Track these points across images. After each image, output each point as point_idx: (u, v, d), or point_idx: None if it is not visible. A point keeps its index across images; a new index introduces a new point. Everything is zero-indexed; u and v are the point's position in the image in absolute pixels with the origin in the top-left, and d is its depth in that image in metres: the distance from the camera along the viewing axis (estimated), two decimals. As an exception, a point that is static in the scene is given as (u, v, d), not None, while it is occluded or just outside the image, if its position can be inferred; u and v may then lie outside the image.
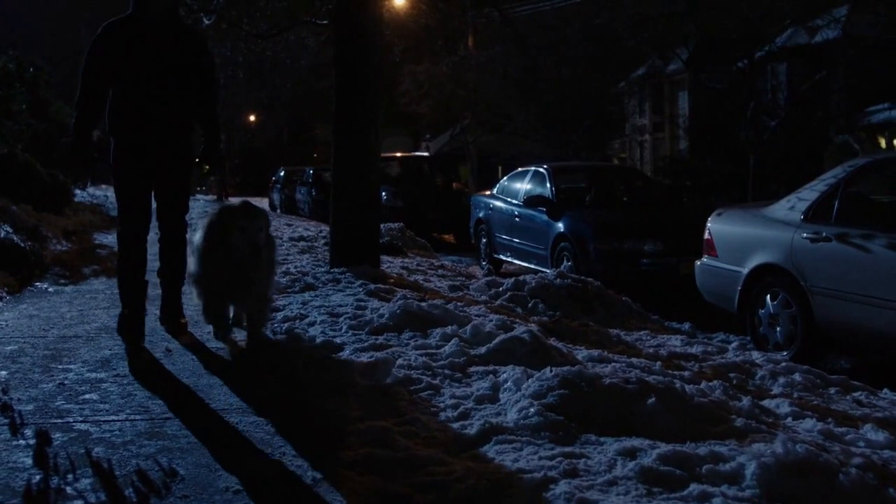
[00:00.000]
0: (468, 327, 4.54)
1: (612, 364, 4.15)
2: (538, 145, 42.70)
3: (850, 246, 6.07)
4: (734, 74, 30.23)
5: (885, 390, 5.17)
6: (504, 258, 12.51)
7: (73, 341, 5.04)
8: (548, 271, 10.52)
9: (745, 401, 3.54)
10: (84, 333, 5.33)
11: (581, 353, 4.44)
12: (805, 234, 6.41)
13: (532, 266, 11.36)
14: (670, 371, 4.21)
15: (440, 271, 9.95)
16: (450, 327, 4.57)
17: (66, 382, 3.97)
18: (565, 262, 10.22)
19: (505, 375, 3.48)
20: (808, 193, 6.71)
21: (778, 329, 6.68)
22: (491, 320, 5.06)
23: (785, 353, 6.44)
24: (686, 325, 7.42)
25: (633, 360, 4.39)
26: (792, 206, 6.77)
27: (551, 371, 3.20)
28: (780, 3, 27.17)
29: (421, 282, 7.79)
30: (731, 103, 27.89)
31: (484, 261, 13.23)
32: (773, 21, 28.23)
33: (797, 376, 4.83)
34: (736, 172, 27.17)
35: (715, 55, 32.40)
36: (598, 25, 35.20)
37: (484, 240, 13.25)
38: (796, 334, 6.52)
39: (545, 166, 12.24)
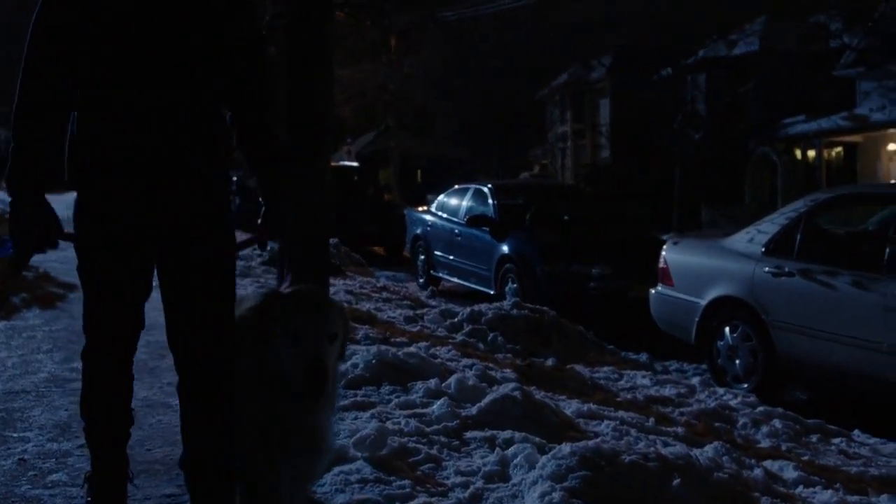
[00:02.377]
0: (451, 381, 4.36)
1: (606, 421, 4.05)
2: (461, 150, 42.84)
3: (814, 282, 6.08)
4: (656, 84, 30.72)
5: (856, 431, 5.19)
6: (443, 276, 12.36)
7: (22, 398, 4.58)
8: (492, 292, 10.53)
9: (757, 471, 3.46)
10: (33, 388, 4.77)
11: (569, 408, 4.31)
12: (767, 268, 6.40)
13: (473, 286, 11.24)
14: (664, 428, 4.11)
15: (384, 294, 9.75)
16: (432, 381, 4.39)
17: (26, 458, 3.59)
18: (510, 284, 10.12)
19: (513, 450, 3.31)
20: (769, 226, 6.71)
21: (737, 361, 6.66)
22: (468, 367, 4.91)
23: (745, 386, 6.44)
24: (643, 356, 7.38)
25: (623, 414, 4.29)
26: (751, 238, 6.76)
27: (569, 448, 3.04)
28: (702, 14, 27.74)
29: (373, 311, 7.57)
30: (655, 113, 28.30)
31: (422, 278, 13.06)
32: (695, 32, 28.76)
33: (777, 423, 4.82)
34: (661, 180, 27.57)
35: (637, 64, 32.91)
36: (521, 33, 35.48)
37: (422, 257, 13.07)
38: (756, 367, 6.50)
39: (488, 185, 12.13)
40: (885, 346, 5.50)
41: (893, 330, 5.49)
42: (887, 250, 5.71)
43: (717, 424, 4.61)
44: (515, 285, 9.98)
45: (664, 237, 22.11)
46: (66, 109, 2.55)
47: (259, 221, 2.89)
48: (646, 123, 29.49)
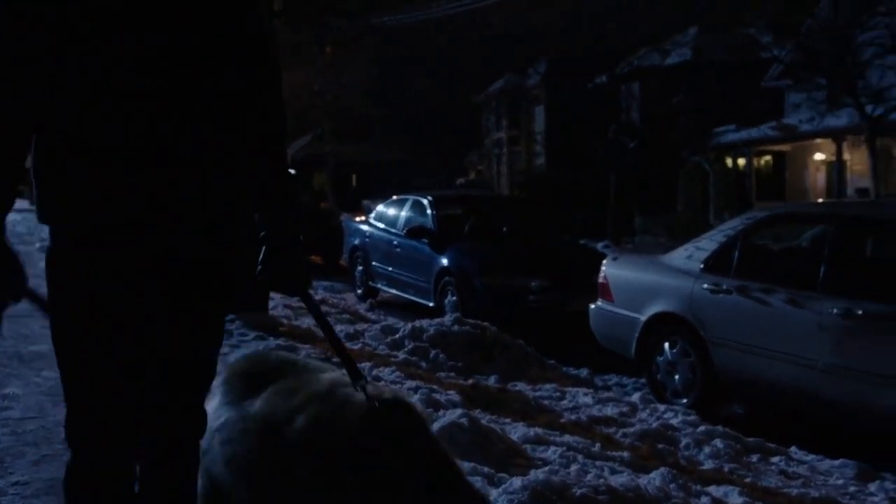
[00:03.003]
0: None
1: (553, 447, 4.05)
2: (396, 155, 42.84)
3: (751, 299, 6.18)
4: (590, 92, 31.08)
5: (794, 448, 5.28)
6: (381, 287, 12.32)
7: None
8: (430, 304, 10.50)
9: (704, 499, 3.49)
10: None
11: (515, 432, 4.31)
12: (705, 285, 6.48)
13: (412, 297, 11.21)
14: (610, 453, 4.13)
15: (323, 307, 9.66)
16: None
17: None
18: (449, 297, 10.11)
19: (463, 482, 3.28)
20: (707, 243, 6.80)
21: (676, 377, 6.73)
22: (412, 390, 4.88)
23: (684, 401, 6.52)
24: (583, 371, 7.42)
25: (568, 438, 4.31)
26: (690, 255, 6.85)
27: (520, 482, 3.03)
28: (635, 25, 28.13)
29: (313, 328, 7.49)
30: (589, 121, 28.63)
31: (360, 289, 12.98)
32: (628, 42, 29.16)
33: (719, 443, 4.88)
34: (596, 188, 27.86)
35: (571, 73, 33.28)
36: (458, 39, 35.59)
37: (360, 268, 13.00)
38: (695, 383, 6.58)
39: (427, 196, 12.11)
40: (819, 364, 5.61)
41: (828, 347, 5.60)
42: (822, 269, 5.83)
43: (660, 446, 4.65)
44: (454, 298, 9.97)
45: (600, 246, 22.34)
46: (22, 140, 1.97)
47: (259, 267, 2.24)
48: (581, 132, 29.80)
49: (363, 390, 2.12)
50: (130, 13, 1.94)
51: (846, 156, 24.79)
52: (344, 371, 2.24)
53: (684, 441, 4.89)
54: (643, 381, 7.16)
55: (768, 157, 29.76)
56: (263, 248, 2.24)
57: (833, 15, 19.38)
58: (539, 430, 4.39)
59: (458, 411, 4.06)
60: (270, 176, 2.23)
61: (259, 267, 2.24)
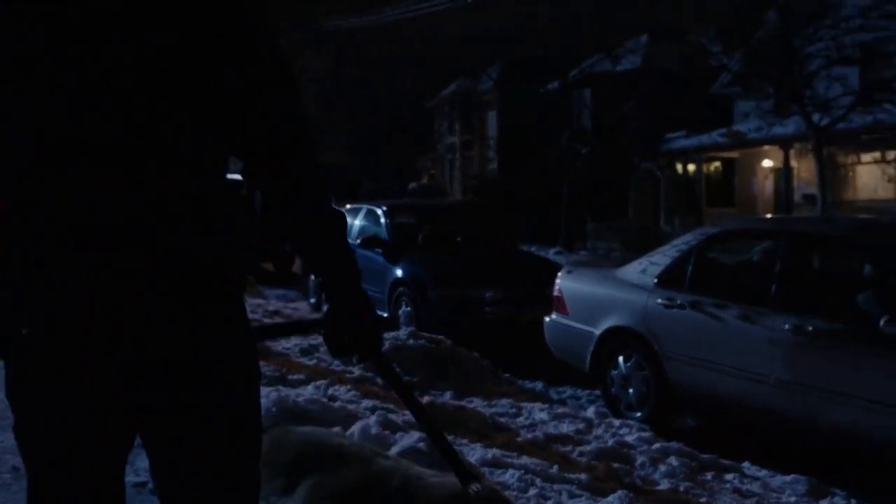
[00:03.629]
0: (354, 430, 4.30)
1: (511, 470, 4.05)
2: (349, 158, 42.68)
3: (704, 314, 6.25)
4: (543, 98, 31.27)
5: (746, 464, 5.33)
6: (335, 296, 12.24)
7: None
8: (385, 315, 10.45)
9: (662, 524, 3.52)
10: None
11: (473, 454, 4.30)
12: (659, 300, 6.54)
13: (367, 307, 11.15)
14: (567, 475, 4.15)
15: (277, 319, 9.61)
16: (334, 430, 4.32)
17: None
18: (404, 308, 10.09)
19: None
20: (661, 258, 6.86)
21: (630, 390, 6.78)
22: (369, 410, 4.85)
23: (638, 415, 6.57)
24: (538, 385, 7.44)
25: (526, 460, 4.31)
26: (644, 269, 6.90)
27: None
28: (588, 31, 28.36)
29: (267, 343, 7.43)
30: (542, 126, 28.80)
31: (313, 298, 12.91)
32: (581, 48, 29.38)
33: (674, 460, 4.92)
34: (548, 194, 28.04)
35: (524, 78, 33.43)
36: (411, 44, 35.58)
37: (314, 277, 12.91)
38: (649, 396, 6.64)
39: (381, 205, 12.09)
40: (771, 379, 5.69)
41: (779, 363, 5.68)
42: (773, 285, 5.92)
43: (616, 465, 4.67)
44: (409, 309, 9.95)
45: (552, 252, 22.40)
46: None
47: (325, 328, 1.87)
48: (533, 137, 29.97)
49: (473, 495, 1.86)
50: (126, 12, 1.59)
51: (794, 163, 25.21)
52: (398, 461, 1.95)
53: (640, 459, 4.92)
54: (598, 392, 7.21)
55: (718, 164, 30.18)
56: (325, 307, 1.88)
57: (781, 26, 19.70)
58: (497, 452, 4.39)
59: (416, 434, 4.04)
60: (300, 206, 1.79)
61: (323, 330, 1.87)
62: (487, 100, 39.83)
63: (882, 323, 5.11)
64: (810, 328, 5.52)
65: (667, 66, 28.72)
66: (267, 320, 9.31)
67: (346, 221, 1.89)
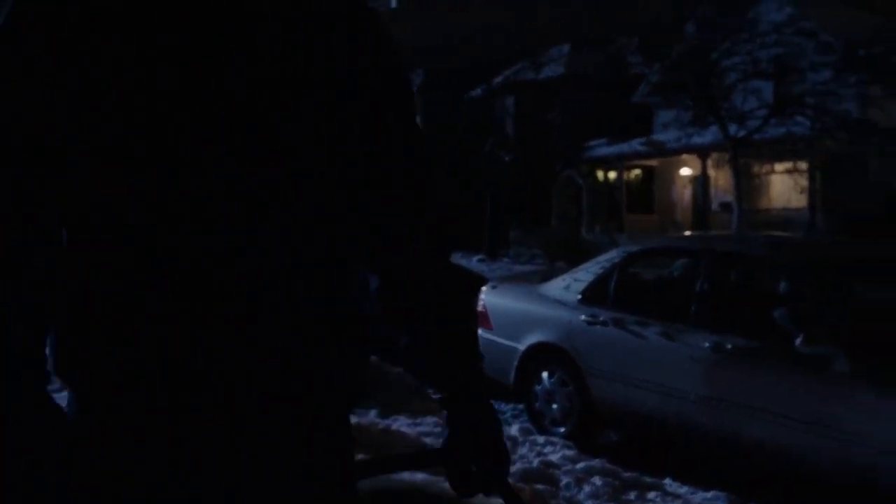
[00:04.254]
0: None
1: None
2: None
3: (627, 331, 6.33)
4: (467, 105, 31.38)
5: (668, 480, 5.42)
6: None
7: None
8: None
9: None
10: None
11: (400, 479, 4.28)
12: (583, 317, 6.61)
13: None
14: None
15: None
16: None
17: None
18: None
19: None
20: (584, 275, 6.94)
21: (554, 406, 6.83)
22: None
23: (562, 430, 6.63)
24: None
25: (452, 485, 4.29)
26: (567, 285, 6.97)
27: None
28: (511, 39, 28.55)
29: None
30: (466, 134, 28.91)
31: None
32: (504, 56, 29.57)
33: (597, 480, 4.97)
34: (472, 201, 28.12)
35: (448, 85, 33.48)
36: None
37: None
38: (572, 412, 6.70)
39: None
40: (692, 396, 5.79)
41: (699, 380, 5.79)
42: (693, 303, 6.03)
43: (541, 487, 4.70)
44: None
45: (475, 260, 22.47)
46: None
47: (450, 461, 1.41)
48: (457, 144, 30.04)
49: None
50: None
51: (711, 172, 25.81)
52: None
53: (564, 480, 4.95)
54: (522, 406, 7.25)
55: (638, 171, 30.71)
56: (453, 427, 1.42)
57: (700, 40, 20.16)
58: (426, 477, 4.37)
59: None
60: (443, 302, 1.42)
61: (448, 462, 1.42)
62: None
63: (798, 342, 5.24)
64: (729, 346, 5.64)
65: (589, 74, 29.12)
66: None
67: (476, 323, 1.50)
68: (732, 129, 20.37)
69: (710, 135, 22.77)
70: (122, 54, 1.11)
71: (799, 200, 24.85)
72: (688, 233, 9.16)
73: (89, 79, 1.12)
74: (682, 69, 20.58)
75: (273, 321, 1.17)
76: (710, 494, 5.08)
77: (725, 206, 24.78)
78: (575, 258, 22.37)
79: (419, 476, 2.02)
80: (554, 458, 5.40)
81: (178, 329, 1.15)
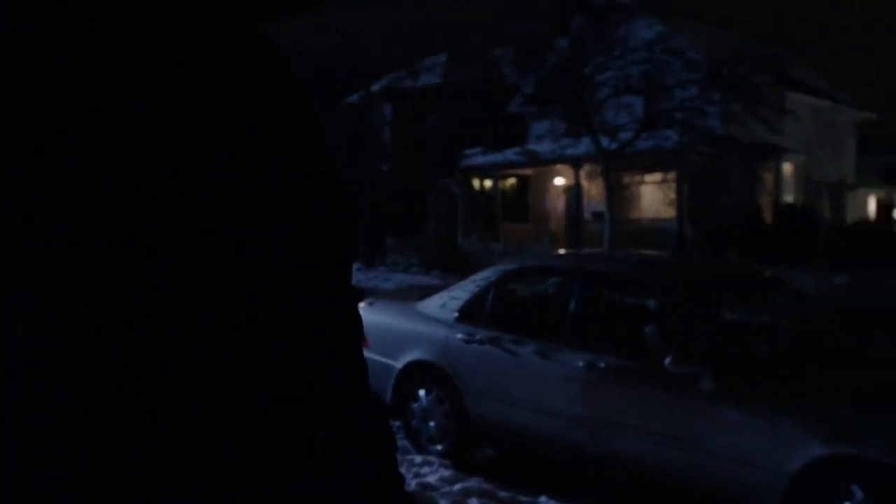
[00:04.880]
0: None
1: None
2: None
3: (502, 350, 6.38)
4: (344, 112, 31.20)
5: (544, 497, 5.49)
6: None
7: None
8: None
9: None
10: None
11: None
12: (459, 335, 6.63)
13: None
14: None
15: None
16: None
17: None
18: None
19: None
20: (460, 293, 6.96)
21: (431, 423, 6.83)
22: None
23: (439, 447, 6.64)
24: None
25: None
26: (444, 303, 6.98)
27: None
28: (388, 46, 28.56)
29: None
30: (343, 141, 28.72)
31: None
32: (381, 63, 29.55)
33: (475, 501, 4.99)
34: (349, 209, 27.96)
35: (327, 91, 33.21)
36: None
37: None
38: (449, 429, 6.71)
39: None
40: (566, 414, 5.88)
41: (573, 398, 5.88)
42: (567, 322, 6.13)
43: (418, 512, 4.68)
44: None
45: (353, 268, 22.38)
46: None
47: None
48: (335, 151, 29.78)
49: None
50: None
51: (584, 182, 26.39)
52: None
53: (442, 502, 4.95)
54: (398, 423, 7.22)
55: (514, 181, 31.16)
56: None
57: (573, 55, 20.58)
58: None
59: None
60: None
61: None
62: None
63: (667, 361, 5.37)
64: (602, 365, 5.75)
65: (465, 84, 29.38)
66: None
67: None
68: (605, 141, 20.88)
69: (583, 146, 23.29)
70: (122, 54, 1.03)
71: (668, 211, 25.69)
72: (562, 251, 9.31)
73: (89, 78, 1.04)
74: (555, 82, 20.97)
75: (273, 321, 1.17)
76: (583, 512, 5.15)
77: (598, 216, 25.38)
78: (451, 267, 22.59)
79: None
80: (431, 479, 5.39)
81: (179, 328, 1.08)
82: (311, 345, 1.19)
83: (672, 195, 25.38)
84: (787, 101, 23.02)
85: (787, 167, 28.83)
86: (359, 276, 21.37)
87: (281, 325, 1.15)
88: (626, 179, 25.97)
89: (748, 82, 19.39)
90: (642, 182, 26.42)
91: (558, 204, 29.92)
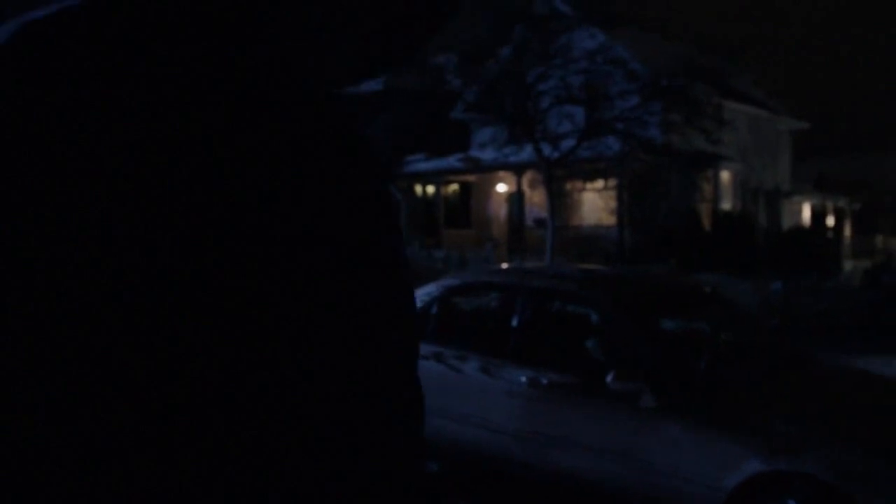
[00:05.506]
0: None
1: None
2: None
3: (446, 365, 6.39)
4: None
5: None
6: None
7: None
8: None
9: None
10: None
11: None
12: (403, 351, 6.62)
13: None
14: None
15: None
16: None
17: None
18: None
19: None
20: (404, 308, 6.95)
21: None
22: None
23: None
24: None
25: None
26: (388, 318, 6.96)
27: None
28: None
29: None
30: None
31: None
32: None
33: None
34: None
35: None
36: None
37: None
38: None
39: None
40: (510, 430, 5.90)
41: (516, 414, 5.91)
42: (511, 338, 6.16)
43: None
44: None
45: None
46: None
47: None
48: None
49: None
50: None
51: (526, 189, 26.55)
52: None
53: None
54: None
55: (456, 187, 31.22)
56: None
57: (515, 63, 20.67)
58: None
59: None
60: None
61: None
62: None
63: (609, 379, 5.43)
64: (545, 381, 5.79)
65: (407, 90, 29.35)
66: None
67: None
68: (547, 149, 21.02)
69: (525, 154, 23.41)
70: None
71: (609, 218, 25.97)
72: (505, 265, 9.34)
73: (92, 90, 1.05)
74: (497, 90, 21.06)
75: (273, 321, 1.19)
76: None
77: (540, 222, 25.55)
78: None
79: None
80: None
81: (178, 329, 1.06)
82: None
83: (613, 203, 25.67)
84: (725, 110, 23.44)
85: (724, 175, 29.33)
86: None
87: (282, 324, 1.17)
88: (569, 187, 26.19)
89: (687, 93, 19.68)
90: (584, 189, 26.67)
91: (501, 211, 30.06)
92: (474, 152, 28.08)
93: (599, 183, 25.88)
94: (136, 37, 0.83)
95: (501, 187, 29.37)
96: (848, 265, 30.20)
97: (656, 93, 20.06)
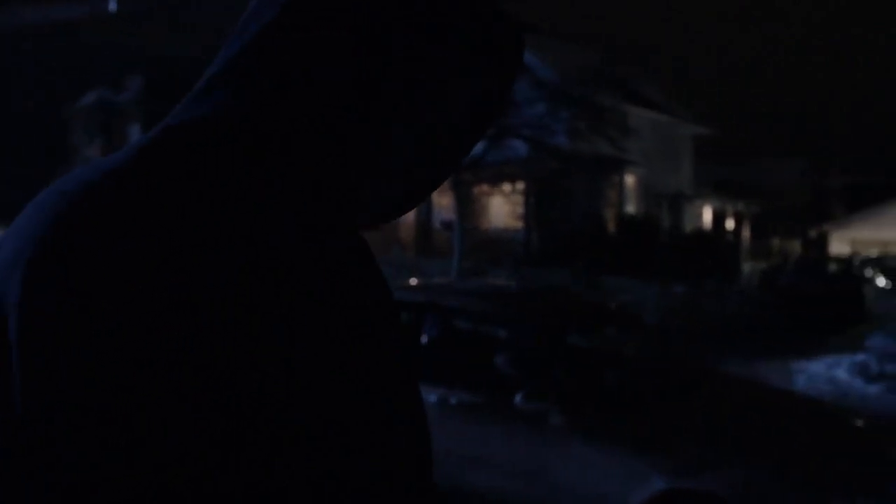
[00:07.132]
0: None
1: None
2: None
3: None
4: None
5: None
6: None
7: None
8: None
9: None
10: None
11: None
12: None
13: None
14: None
15: None
16: None
17: None
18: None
19: None
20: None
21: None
22: None
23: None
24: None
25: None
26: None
27: None
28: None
29: None
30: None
31: None
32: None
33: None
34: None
35: (170, 90, 32.26)
36: (46, 50, 33.04)
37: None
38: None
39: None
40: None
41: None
42: (419, 357, 6.14)
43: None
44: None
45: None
46: None
47: None
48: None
49: None
50: None
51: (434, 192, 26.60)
52: None
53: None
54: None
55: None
56: None
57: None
58: None
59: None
60: None
61: None
62: (130, 112, 37.99)
63: (518, 398, 5.45)
64: (454, 400, 5.78)
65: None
66: None
67: None
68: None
69: (433, 158, 23.39)
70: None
71: (516, 222, 26.19)
72: (413, 281, 9.30)
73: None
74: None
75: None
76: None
77: (447, 225, 25.62)
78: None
79: None
80: None
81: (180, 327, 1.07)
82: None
83: (520, 207, 25.91)
84: (630, 116, 23.87)
85: (629, 179, 29.88)
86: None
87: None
88: (476, 190, 26.32)
89: (594, 101, 19.97)
90: (492, 193, 26.85)
91: (408, 213, 30.05)
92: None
93: (507, 186, 26.08)
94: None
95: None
96: (747, 267, 31.12)
97: (563, 101, 20.30)
